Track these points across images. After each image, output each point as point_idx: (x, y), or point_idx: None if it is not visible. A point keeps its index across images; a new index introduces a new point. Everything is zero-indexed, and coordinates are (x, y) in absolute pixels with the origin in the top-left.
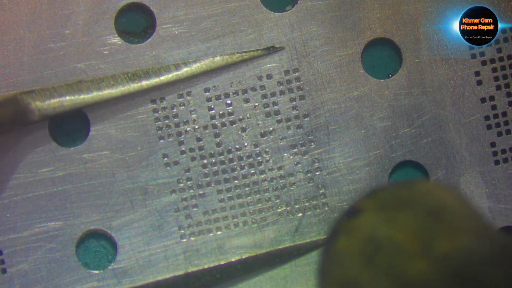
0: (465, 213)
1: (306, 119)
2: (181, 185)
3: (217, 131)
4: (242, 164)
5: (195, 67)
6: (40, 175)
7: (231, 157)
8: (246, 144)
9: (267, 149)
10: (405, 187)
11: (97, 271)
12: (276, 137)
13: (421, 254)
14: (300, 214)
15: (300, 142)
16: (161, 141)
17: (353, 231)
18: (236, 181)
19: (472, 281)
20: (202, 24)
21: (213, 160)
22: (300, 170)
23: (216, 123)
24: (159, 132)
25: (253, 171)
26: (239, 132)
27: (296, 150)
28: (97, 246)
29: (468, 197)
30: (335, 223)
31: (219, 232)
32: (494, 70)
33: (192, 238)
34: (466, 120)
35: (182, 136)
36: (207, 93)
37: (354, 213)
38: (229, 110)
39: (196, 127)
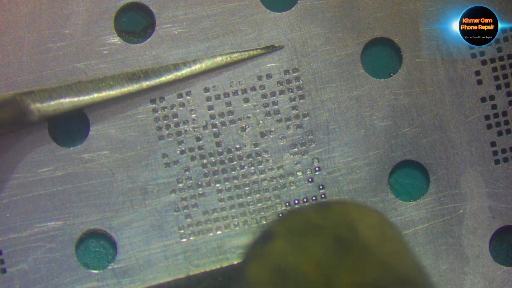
0: (375, 240)
1: (306, 118)
2: (181, 184)
3: (217, 131)
4: (242, 164)
5: (194, 67)
6: (40, 175)
7: (231, 156)
8: (246, 143)
9: (267, 149)
10: (319, 210)
11: (97, 271)
12: (276, 136)
13: (324, 287)
14: None
15: (300, 142)
16: (161, 141)
17: (264, 257)
18: (236, 181)
19: None
20: (202, 24)
21: (213, 160)
22: (300, 170)
23: (215, 122)
24: (159, 132)
25: (253, 170)
26: (239, 131)
27: (296, 149)
28: (97, 246)
29: (387, 218)
30: (249, 247)
31: (219, 232)
32: (494, 69)
33: (192, 238)
34: (466, 120)
35: (182, 135)
36: (207, 93)
37: (267, 238)
38: (229, 110)
39: (196, 126)
